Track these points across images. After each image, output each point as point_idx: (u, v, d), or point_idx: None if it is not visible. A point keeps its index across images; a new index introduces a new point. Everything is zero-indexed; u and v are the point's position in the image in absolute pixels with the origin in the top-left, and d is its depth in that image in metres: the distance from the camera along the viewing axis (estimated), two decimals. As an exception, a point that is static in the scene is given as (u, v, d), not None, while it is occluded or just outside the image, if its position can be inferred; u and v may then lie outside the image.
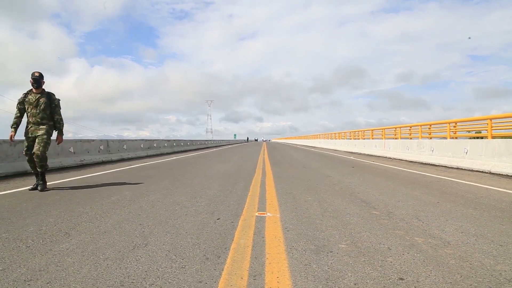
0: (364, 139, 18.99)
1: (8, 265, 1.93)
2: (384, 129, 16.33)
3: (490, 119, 8.33)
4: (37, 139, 4.59)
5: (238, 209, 3.41)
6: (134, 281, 1.71)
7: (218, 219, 2.98)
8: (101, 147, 11.13)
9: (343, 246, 2.26)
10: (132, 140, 14.51)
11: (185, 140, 24.54)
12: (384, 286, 1.65)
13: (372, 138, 17.59)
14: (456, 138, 10.56)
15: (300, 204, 3.69)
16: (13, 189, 4.85)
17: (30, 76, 4.68)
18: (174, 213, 3.22)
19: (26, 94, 4.71)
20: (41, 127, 4.66)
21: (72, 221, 2.94)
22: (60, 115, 4.88)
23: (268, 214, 3.19)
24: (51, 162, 8.07)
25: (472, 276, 1.77)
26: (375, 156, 14.25)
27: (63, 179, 6.00)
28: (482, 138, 9.94)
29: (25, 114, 4.71)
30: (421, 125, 12.26)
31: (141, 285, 1.66)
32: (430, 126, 12.13)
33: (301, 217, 3.06)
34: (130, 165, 9.53)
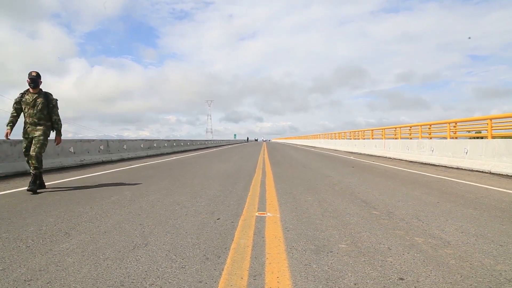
0: (364, 139, 18.99)
1: (8, 265, 1.93)
2: (384, 129, 16.33)
3: (490, 119, 8.33)
4: (33, 140, 4.53)
5: (238, 209, 3.41)
6: (134, 281, 1.71)
7: (218, 219, 2.98)
8: (101, 147, 11.13)
9: (343, 246, 2.26)
10: (132, 140, 14.51)
11: (185, 140, 24.54)
12: (384, 286, 1.65)
13: (372, 138, 17.60)
14: (456, 138, 10.56)
15: (300, 204, 3.69)
16: (13, 189, 4.85)
17: (27, 75, 4.60)
18: (174, 213, 3.22)
19: (23, 94, 4.64)
20: (38, 127, 4.59)
21: (72, 221, 2.94)
22: (58, 115, 4.81)
23: (268, 214, 3.19)
24: (51, 162, 8.09)
25: (472, 276, 1.77)
26: (375, 156, 14.25)
27: (63, 179, 6.01)
28: (482, 138, 9.94)
29: (22, 114, 4.65)
30: (421, 125, 12.26)
31: (141, 285, 1.66)
32: (430, 126, 12.13)
33: (301, 217, 3.06)
34: (130, 165, 9.53)
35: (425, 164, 9.85)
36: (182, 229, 2.67)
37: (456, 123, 10.55)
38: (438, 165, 9.19)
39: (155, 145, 16.79)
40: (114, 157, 11.64)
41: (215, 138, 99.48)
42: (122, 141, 13.19)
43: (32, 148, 4.49)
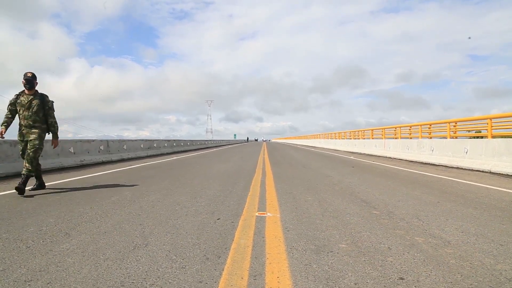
0: (364, 139, 18.99)
1: (9, 265, 1.93)
2: (384, 129, 16.33)
3: (490, 119, 8.33)
4: (28, 144, 4.40)
5: (238, 209, 3.41)
6: (134, 281, 1.71)
7: (218, 219, 2.98)
8: (101, 147, 11.13)
9: (343, 246, 2.26)
10: (132, 140, 14.51)
11: (185, 140, 24.54)
12: (385, 286, 1.65)
13: (372, 138, 17.60)
14: (456, 137, 10.56)
15: (300, 204, 3.69)
16: (14, 189, 4.84)
17: (23, 76, 4.45)
18: (174, 213, 3.22)
19: (18, 96, 4.49)
20: (33, 130, 4.45)
21: (72, 221, 2.94)
22: (54, 118, 4.67)
23: (268, 214, 3.19)
24: (51, 163, 8.09)
25: (473, 276, 1.77)
26: (375, 156, 14.25)
27: (63, 180, 6.01)
28: (482, 137, 9.94)
29: (17, 116, 4.50)
30: (421, 125, 12.26)
31: (141, 285, 1.66)
32: (430, 125, 12.13)
33: (301, 217, 3.06)
34: (130, 165, 9.53)
35: (425, 163, 9.85)
36: (182, 229, 2.67)
37: (456, 123, 10.55)
38: (438, 165, 9.19)
39: (155, 145, 16.79)
40: (114, 157, 11.64)
41: (215, 138, 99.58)
42: (122, 141, 13.19)
43: (26, 153, 4.38)
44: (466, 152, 8.43)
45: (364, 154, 15.71)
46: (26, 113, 4.43)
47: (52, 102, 4.67)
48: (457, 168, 8.32)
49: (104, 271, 1.83)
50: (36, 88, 4.59)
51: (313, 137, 40.37)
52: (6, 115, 4.49)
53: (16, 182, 4.29)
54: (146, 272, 1.82)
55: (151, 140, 16.70)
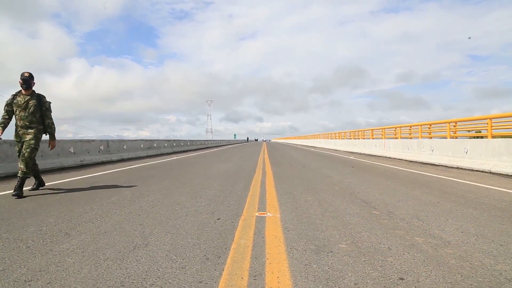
0: (364, 139, 18.99)
1: (9, 265, 1.93)
2: (384, 129, 16.33)
3: (490, 119, 8.33)
4: (24, 145, 4.33)
5: (238, 209, 3.41)
6: (134, 281, 1.71)
7: (218, 219, 2.98)
8: (101, 147, 11.13)
9: (343, 246, 2.26)
10: (132, 140, 14.51)
11: (185, 140, 24.54)
12: (385, 286, 1.65)
13: (372, 138, 17.60)
14: (456, 137, 10.56)
15: (300, 204, 3.69)
16: (13, 190, 4.84)
17: (20, 76, 4.36)
18: (174, 213, 3.22)
19: (14, 96, 4.41)
20: (29, 131, 4.37)
21: (72, 221, 2.94)
22: (51, 118, 4.59)
23: (268, 214, 3.19)
24: (51, 162, 8.09)
25: (473, 276, 1.77)
26: (375, 156, 14.25)
27: (63, 180, 6.01)
28: (482, 137, 9.94)
29: (14, 117, 4.42)
30: (421, 125, 12.26)
31: (141, 285, 1.66)
32: (430, 125, 12.13)
33: (301, 217, 3.06)
34: (130, 165, 9.53)
35: (425, 163, 9.85)
36: (182, 229, 2.67)
37: (456, 123, 10.55)
38: (438, 165, 9.19)
39: (155, 145, 16.79)
40: (114, 157, 11.64)
41: (215, 138, 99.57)
42: (122, 141, 13.19)
43: (22, 153, 4.31)
44: (466, 152, 8.43)
45: (364, 154, 15.71)
46: (22, 113, 4.35)
47: (49, 103, 4.60)
48: (457, 168, 8.32)
49: (104, 271, 1.83)
50: (34, 89, 4.51)
51: (313, 137, 40.37)
52: (3, 116, 4.41)
53: (16, 182, 4.28)
54: (146, 272, 1.82)
55: (151, 140, 16.70)
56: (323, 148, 25.05)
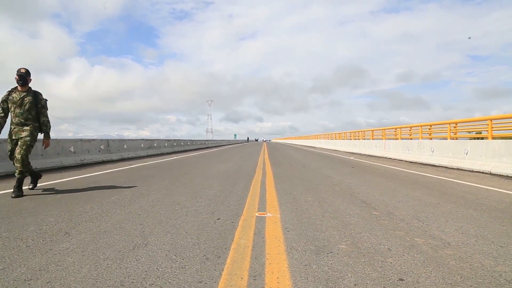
0: (364, 139, 18.99)
1: (8, 264, 1.93)
2: (385, 129, 16.33)
3: (491, 120, 8.33)
4: (19, 142, 4.20)
5: (238, 209, 3.41)
6: (134, 281, 1.71)
7: (218, 219, 2.98)
8: (102, 147, 11.13)
9: (343, 246, 2.26)
10: (133, 140, 14.52)
11: (185, 140, 24.54)
12: (384, 287, 1.65)
13: (372, 139, 17.59)
14: (457, 138, 10.55)
15: (300, 204, 3.69)
16: (13, 189, 4.84)
17: (16, 72, 4.25)
18: (174, 213, 3.22)
19: (10, 92, 4.29)
20: (25, 128, 4.26)
21: (72, 220, 2.94)
22: (46, 116, 4.47)
23: (268, 214, 3.19)
24: (51, 162, 8.09)
25: (472, 277, 1.77)
26: (375, 156, 14.25)
27: (63, 179, 6.01)
28: (482, 138, 9.94)
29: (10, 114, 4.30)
30: (421, 126, 12.26)
31: (141, 285, 1.66)
32: (431, 126, 12.13)
33: (301, 218, 3.06)
34: (131, 164, 9.53)
35: (426, 164, 9.84)
36: (182, 229, 2.67)
37: (456, 124, 10.55)
38: (439, 166, 9.18)
39: (155, 145, 16.80)
40: (115, 156, 11.65)
41: (215, 138, 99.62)
42: (122, 141, 13.20)
43: (17, 151, 4.17)
44: (467, 153, 8.43)
45: (364, 154, 15.71)
46: (18, 110, 4.24)
47: (46, 100, 4.48)
48: (457, 169, 8.32)
49: (104, 271, 1.83)
50: (30, 85, 4.40)
51: (313, 137, 40.37)
52: None
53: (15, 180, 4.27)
54: (146, 271, 1.82)
55: (151, 139, 16.70)
56: (323, 149, 25.05)
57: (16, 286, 1.64)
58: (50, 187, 4.95)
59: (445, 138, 10.62)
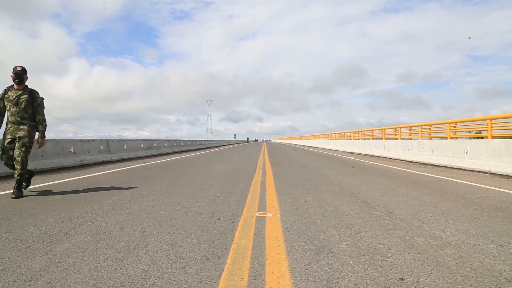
0: (364, 139, 18.99)
1: (9, 265, 1.93)
2: (384, 129, 16.33)
3: (490, 119, 8.33)
4: (17, 143, 4.14)
5: (238, 209, 3.41)
6: (134, 281, 1.71)
7: (218, 219, 2.98)
8: (101, 147, 11.13)
9: (343, 246, 2.26)
10: (132, 140, 14.52)
11: (185, 140, 24.54)
12: (385, 286, 1.65)
13: (372, 139, 17.60)
14: (456, 138, 10.56)
15: (300, 204, 3.69)
16: (13, 189, 4.84)
17: (12, 70, 4.18)
18: (175, 213, 3.22)
19: (6, 90, 4.23)
20: (21, 127, 4.20)
21: (72, 221, 2.94)
22: (43, 115, 4.38)
23: (268, 214, 3.19)
24: (51, 162, 8.09)
25: (473, 276, 1.77)
26: (375, 156, 14.25)
27: (63, 179, 6.01)
28: (482, 138, 9.94)
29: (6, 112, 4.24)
30: (421, 125, 12.26)
31: (141, 286, 1.66)
32: (430, 126, 12.14)
33: (301, 218, 3.06)
34: (130, 165, 9.53)
35: (425, 164, 9.84)
36: (183, 229, 2.67)
37: (456, 123, 10.56)
38: (438, 165, 9.19)
39: (155, 145, 16.80)
40: (114, 157, 11.64)
41: (215, 138, 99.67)
42: (122, 141, 13.20)
43: (16, 153, 4.13)
44: (466, 153, 8.43)
45: (364, 154, 15.71)
46: (13, 109, 4.18)
47: (42, 99, 4.41)
48: (457, 168, 8.32)
49: (104, 271, 1.83)
50: (26, 84, 4.33)
51: (313, 137, 40.38)
52: None
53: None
54: (146, 272, 1.82)
55: (151, 140, 16.70)
56: (323, 149, 25.05)
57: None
58: (50, 187, 4.95)
59: (445, 138, 10.62)
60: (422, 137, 11.96)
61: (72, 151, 9.35)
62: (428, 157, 10.30)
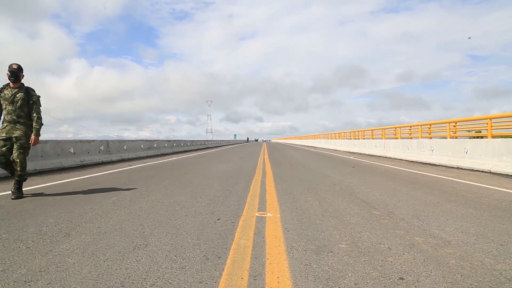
0: (364, 139, 18.99)
1: (9, 266, 1.93)
2: (384, 129, 16.33)
3: (490, 119, 8.33)
4: (15, 145, 4.13)
5: (239, 209, 3.41)
6: (134, 281, 1.71)
7: (218, 220, 2.98)
8: (101, 148, 11.13)
9: (343, 246, 2.26)
10: (132, 141, 14.52)
11: (185, 140, 24.55)
12: (385, 286, 1.65)
13: (372, 138, 17.60)
14: (456, 137, 10.56)
15: (300, 204, 3.69)
16: (13, 190, 4.84)
17: (7, 68, 4.16)
18: (175, 214, 3.22)
19: (1, 89, 4.20)
20: (17, 126, 4.16)
21: (72, 221, 2.94)
22: (38, 113, 4.29)
23: (269, 214, 3.19)
24: (50, 163, 8.09)
25: (473, 276, 1.77)
26: (375, 156, 14.25)
27: (63, 180, 6.01)
28: (482, 137, 9.94)
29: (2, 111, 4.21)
30: (421, 125, 12.26)
31: (141, 286, 1.66)
32: (430, 126, 12.14)
33: (301, 217, 3.06)
34: (130, 165, 9.53)
35: (425, 164, 9.85)
36: (183, 229, 2.67)
37: (456, 123, 10.56)
38: (438, 165, 9.19)
39: (155, 145, 16.80)
40: (114, 157, 11.64)
41: (215, 138, 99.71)
42: (122, 142, 13.20)
43: (15, 154, 4.12)
44: (466, 152, 8.43)
45: (364, 154, 15.71)
46: (9, 107, 4.14)
47: (38, 96, 4.36)
48: (457, 168, 8.32)
49: (104, 272, 1.83)
50: (22, 81, 4.30)
51: (313, 137, 40.38)
52: None
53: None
54: (146, 272, 1.82)
55: (151, 140, 16.70)
56: (323, 148, 25.05)
57: None
58: (50, 188, 4.94)
59: (445, 137, 10.63)
60: (422, 137, 11.96)
61: (72, 151, 9.35)
62: (428, 156, 10.30)
